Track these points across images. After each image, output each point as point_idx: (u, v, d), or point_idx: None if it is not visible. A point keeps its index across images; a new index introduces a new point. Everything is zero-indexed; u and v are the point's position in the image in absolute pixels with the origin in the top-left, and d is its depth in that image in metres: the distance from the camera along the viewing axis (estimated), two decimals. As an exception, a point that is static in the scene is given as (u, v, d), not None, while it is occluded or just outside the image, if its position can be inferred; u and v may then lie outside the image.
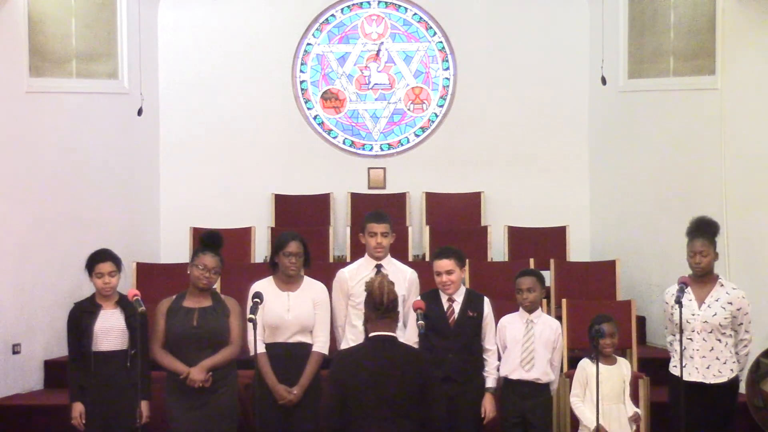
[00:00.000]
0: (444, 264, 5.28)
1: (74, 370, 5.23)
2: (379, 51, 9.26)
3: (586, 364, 5.30)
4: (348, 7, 9.29)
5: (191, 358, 5.08)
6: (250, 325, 4.90)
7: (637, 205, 8.27)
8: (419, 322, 4.72)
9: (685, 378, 5.17)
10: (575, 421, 5.59)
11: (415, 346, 4.70)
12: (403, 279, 5.36)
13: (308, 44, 9.24)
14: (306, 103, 9.25)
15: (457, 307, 5.29)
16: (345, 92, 9.30)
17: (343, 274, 5.50)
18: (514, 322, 5.42)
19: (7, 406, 6.74)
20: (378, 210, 5.68)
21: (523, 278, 5.46)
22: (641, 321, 7.62)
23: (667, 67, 7.83)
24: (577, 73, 9.01)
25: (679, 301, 5.10)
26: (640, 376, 6.09)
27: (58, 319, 6.75)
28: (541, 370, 5.31)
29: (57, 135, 7.56)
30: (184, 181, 8.95)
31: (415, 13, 9.28)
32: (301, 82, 9.25)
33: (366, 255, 5.51)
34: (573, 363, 6.35)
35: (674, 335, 5.41)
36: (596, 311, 6.22)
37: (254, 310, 4.93)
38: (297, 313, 5.24)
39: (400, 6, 9.29)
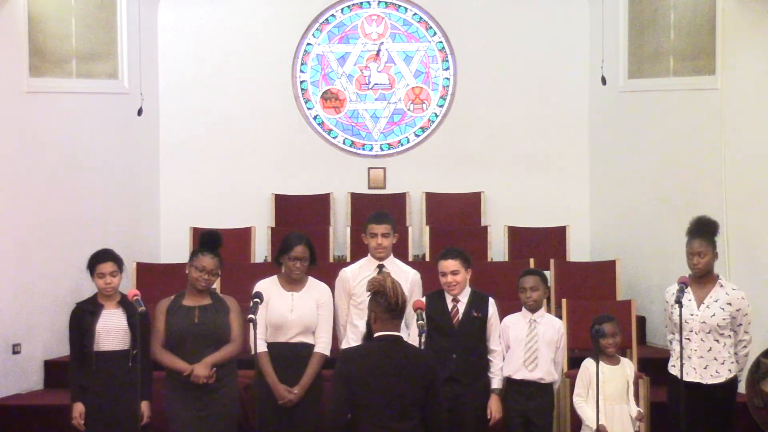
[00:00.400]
0: (449, 264, 5.28)
1: (75, 370, 5.23)
2: (379, 51, 9.26)
3: (589, 364, 5.30)
4: (348, 7, 9.29)
5: (193, 356, 5.07)
6: (250, 325, 4.90)
7: (637, 205, 8.27)
8: (419, 321, 4.72)
9: (684, 378, 5.17)
10: (576, 421, 5.59)
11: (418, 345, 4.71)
12: (405, 279, 5.34)
13: (308, 44, 9.24)
14: (306, 103, 9.25)
15: (461, 307, 5.30)
16: (345, 92, 9.30)
17: (345, 273, 5.50)
18: (517, 321, 5.42)
19: (7, 406, 6.73)
20: (380, 211, 5.68)
21: (526, 277, 5.47)
22: (641, 321, 7.63)
23: (667, 67, 7.83)
24: (577, 73, 9.01)
25: (679, 301, 5.10)
26: (640, 376, 6.08)
27: (58, 319, 6.78)
28: (545, 369, 5.32)
29: (57, 135, 7.56)
30: (184, 181, 8.95)
31: (415, 13, 9.28)
32: (301, 82, 9.25)
33: (368, 255, 5.52)
34: (573, 363, 6.36)
35: (674, 334, 5.42)
36: (596, 311, 6.24)
37: (254, 310, 4.93)
38: (300, 313, 5.24)
39: (400, 6, 9.29)
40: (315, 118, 9.25)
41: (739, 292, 5.35)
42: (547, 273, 7.28)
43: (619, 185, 8.55)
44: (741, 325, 5.32)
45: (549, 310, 6.57)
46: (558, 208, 8.82)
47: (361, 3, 9.30)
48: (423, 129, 9.29)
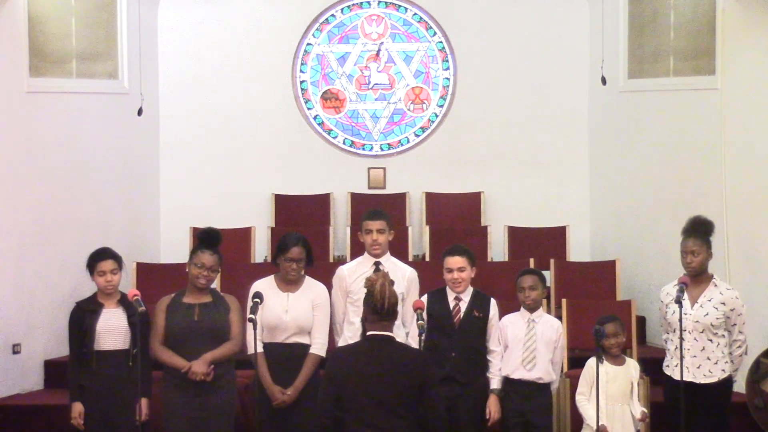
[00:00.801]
0: (456, 261, 5.29)
1: (75, 369, 5.23)
2: (379, 51, 9.26)
3: (593, 363, 5.29)
4: (348, 7, 9.29)
5: (193, 353, 5.06)
6: (249, 325, 4.90)
7: (637, 205, 8.27)
8: (419, 321, 4.72)
9: (677, 377, 5.17)
10: (576, 421, 5.59)
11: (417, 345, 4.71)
12: (402, 277, 5.35)
13: (308, 44, 9.24)
14: (306, 103, 9.25)
15: (463, 306, 5.31)
16: (345, 92, 9.30)
17: (342, 271, 5.50)
18: (515, 321, 5.43)
19: (7, 406, 6.73)
20: (374, 208, 5.68)
21: (524, 277, 5.48)
22: (641, 321, 7.63)
23: (667, 67, 7.83)
24: (577, 73, 9.01)
25: (679, 301, 5.09)
26: (640, 375, 6.08)
27: (58, 319, 6.78)
28: (543, 369, 5.32)
29: (57, 135, 7.56)
30: (184, 181, 8.95)
31: (415, 13, 9.28)
32: (301, 82, 9.25)
33: (365, 253, 5.52)
34: (573, 363, 6.37)
35: (668, 334, 5.42)
36: (596, 311, 6.24)
37: (254, 310, 4.94)
38: (295, 314, 5.23)
39: (400, 6, 9.29)
40: (315, 118, 9.25)
41: (733, 292, 5.34)
42: (547, 273, 7.26)
43: (619, 185, 8.55)
44: (735, 324, 5.31)
45: (549, 310, 6.57)
46: (558, 208, 8.83)
47: (361, 3, 9.30)
48: (423, 129, 9.29)
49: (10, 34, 7.14)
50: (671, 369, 5.33)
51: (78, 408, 5.17)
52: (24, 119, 7.23)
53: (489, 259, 8.30)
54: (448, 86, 9.26)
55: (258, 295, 5.08)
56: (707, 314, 5.26)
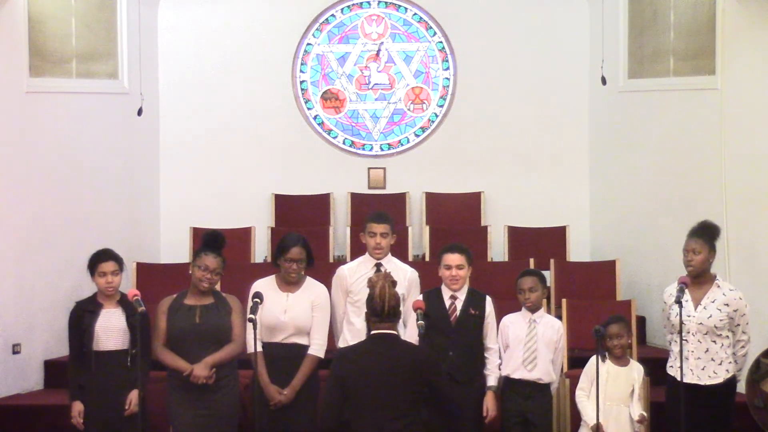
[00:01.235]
0: (455, 258, 5.30)
1: (74, 369, 5.24)
2: (379, 51, 9.26)
3: (595, 360, 5.29)
4: (348, 7, 9.29)
5: (194, 355, 5.06)
6: (249, 325, 4.90)
7: (637, 205, 8.27)
8: (419, 322, 4.72)
9: (681, 379, 5.17)
10: (575, 421, 5.59)
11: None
12: (403, 278, 5.36)
13: (308, 44, 9.24)
14: (306, 103, 9.25)
15: (459, 304, 5.31)
16: (345, 92, 9.30)
17: (343, 271, 5.51)
18: (516, 321, 5.43)
19: (7, 406, 6.74)
20: (380, 211, 5.69)
21: (524, 278, 5.48)
22: (641, 321, 7.63)
23: (667, 67, 7.83)
24: (577, 73, 9.01)
25: (679, 301, 5.09)
26: (642, 378, 6.08)
27: (58, 319, 6.77)
28: (544, 369, 5.32)
29: (57, 135, 7.56)
30: (184, 181, 8.94)
31: (415, 13, 9.28)
32: (301, 82, 9.25)
33: (366, 254, 5.52)
34: (574, 363, 6.37)
35: (672, 335, 5.41)
36: (596, 311, 6.25)
37: (254, 310, 4.94)
38: (293, 314, 5.22)
39: (400, 6, 9.29)
40: (315, 118, 9.25)
41: (737, 293, 5.33)
42: (547, 273, 7.27)
43: (619, 185, 8.55)
44: (739, 325, 5.30)
45: (549, 311, 6.57)
46: (558, 208, 8.83)
47: (361, 3, 9.29)
48: (423, 129, 9.28)
49: (10, 34, 7.14)
50: (675, 370, 5.32)
51: (78, 407, 5.18)
52: (24, 119, 7.23)
53: (489, 259, 8.30)
54: (448, 86, 9.26)
55: (258, 295, 5.08)
56: (711, 316, 5.25)
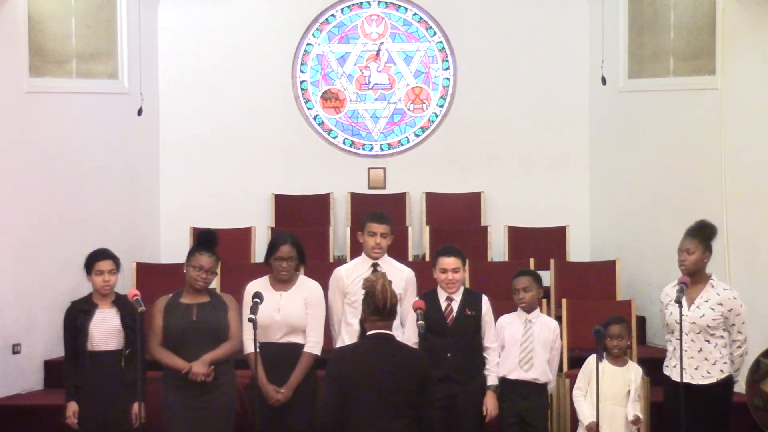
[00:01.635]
0: (451, 262, 5.29)
1: (70, 369, 5.26)
2: (379, 51, 9.26)
3: (593, 360, 5.30)
4: (348, 7, 9.29)
5: (192, 353, 5.06)
6: (248, 325, 4.90)
7: (637, 205, 8.27)
8: (419, 322, 4.72)
9: (675, 378, 5.18)
10: (575, 422, 5.59)
11: (415, 345, 4.71)
12: (400, 278, 5.36)
13: (308, 44, 9.24)
14: (306, 103, 9.25)
15: (455, 306, 5.31)
16: (345, 92, 9.30)
17: (340, 272, 5.50)
18: (512, 321, 5.43)
19: (7, 406, 6.74)
20: (379, 210, 5.68)
21: (519, 278, 5.48)
22: (641, 321, 7.63)
23: (667, 67, 7.83)
24: (577, 73, 9.01)
25: (679, 301, 5.08)
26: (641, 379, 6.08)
27: (58, 319, 6.69)
28: (540, 370, 5.33)
29: (57, 135, 7.56)
30: (184, 181, 8.95)
31: (415, 13, 9.28)
32: (301, 82, 9.25)
33: (363, 254, 5.51)
34: (573, 363, 6.37)
35: (669, 334, 5.42)
36: (596, 311, 6.25)
37: (254, 310, 4.92)
38: (286, 313, 5.21)
39: (400, 6, 9.29)
40: (315, 118, 9.25)
41: (731, 292, 5.32)
42: (547, 273, 7.28)
43: (619, 185, 8.55)
44: (734, 325, 5.29)
45: (549, 310, 6.57)
46: (558, 208, 8.82)
47: (361, 3, 9.30)
48: (423, 129, 9.29)
49: (10, 34, 7.15)
50: (670, 369, 5.34)
51: (72, 407, 5.20)
52: (24, 119, 7.23)
53: (489, 259, 8.30)
54: (448, 86, 9.26)
55: (258, 295, 5.06)
56: (703, 315, 5.25)
